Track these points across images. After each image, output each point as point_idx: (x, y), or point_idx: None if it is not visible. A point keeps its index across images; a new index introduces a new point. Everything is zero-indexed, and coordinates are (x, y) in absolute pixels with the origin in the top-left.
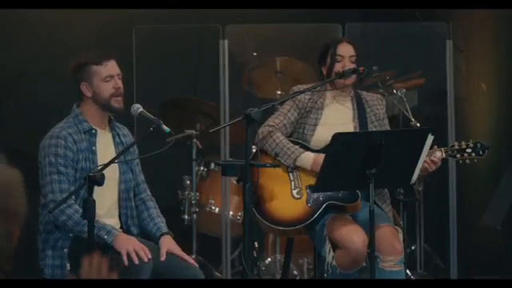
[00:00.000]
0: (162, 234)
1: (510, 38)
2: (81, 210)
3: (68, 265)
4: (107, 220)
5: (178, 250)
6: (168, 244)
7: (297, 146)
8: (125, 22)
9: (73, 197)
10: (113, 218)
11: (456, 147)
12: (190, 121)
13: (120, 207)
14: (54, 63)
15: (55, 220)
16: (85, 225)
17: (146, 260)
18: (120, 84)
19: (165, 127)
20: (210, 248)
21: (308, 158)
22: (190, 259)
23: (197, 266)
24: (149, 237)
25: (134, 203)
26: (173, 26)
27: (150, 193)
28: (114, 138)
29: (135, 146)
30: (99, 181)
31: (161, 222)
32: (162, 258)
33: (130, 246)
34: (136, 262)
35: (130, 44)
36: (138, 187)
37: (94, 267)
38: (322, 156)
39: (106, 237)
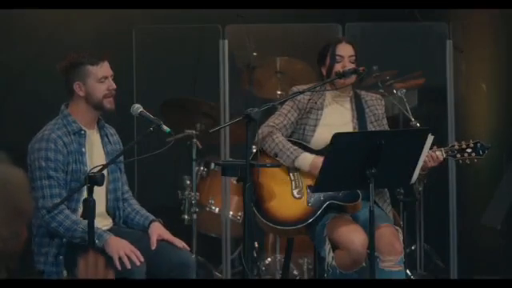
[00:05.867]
0: (151, 222)
1: (510, 37)
2: (71, 216)
3: (65, 272)
4: (103, 220)
5: (167, 235)
6: (158, 230)
7: (296, 147)
8: (125, 22)
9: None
10: (107, 219)
11: (456, 147)
12: (190, 121)
13: (109, 207)
14: (53, 63)
15: (47, 226)
16: (75, 230)
17: (138, 264)
18: (114, 85)
19: (165, 127)
20: (210, 248)
21: (306, 160)
22: (181, 243)
23: (188, 248)
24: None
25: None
26: (173, 26)
27: (131, 193)
28: (102, 138)
29: (122, 146)
30: (99, 181)
31: (147, 213)
32: (153, 247)
33: (122, 250)
34: (128, 266)
35: (130, 44)
36: (123, 187)
37: (90, 267)
38: (320, 158)
39: (96, 241)
